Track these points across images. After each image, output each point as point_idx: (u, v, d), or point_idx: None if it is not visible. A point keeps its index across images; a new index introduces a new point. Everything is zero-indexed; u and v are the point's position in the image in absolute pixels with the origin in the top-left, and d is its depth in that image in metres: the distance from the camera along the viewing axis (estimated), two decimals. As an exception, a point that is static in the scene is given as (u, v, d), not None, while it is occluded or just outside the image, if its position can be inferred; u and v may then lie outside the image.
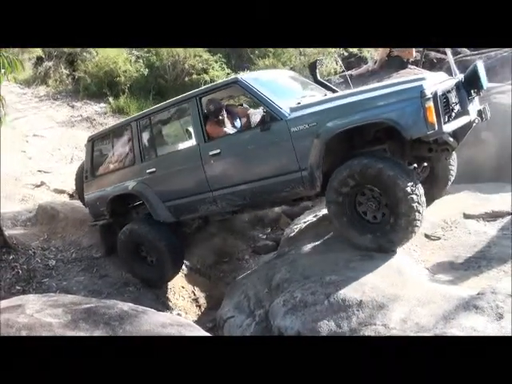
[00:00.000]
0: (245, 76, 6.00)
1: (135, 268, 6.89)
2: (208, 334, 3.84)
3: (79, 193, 8.10)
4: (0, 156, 8.86)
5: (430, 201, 5.57)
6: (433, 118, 4.43)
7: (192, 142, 6.38)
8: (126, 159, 6.90)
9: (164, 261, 6.57)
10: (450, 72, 9.28)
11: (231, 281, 6.89)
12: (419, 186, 4.63)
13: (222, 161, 5.73)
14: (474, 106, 5.28)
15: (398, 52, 8.91)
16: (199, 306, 6.77)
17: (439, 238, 5.21)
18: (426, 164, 5.74)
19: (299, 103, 5.33)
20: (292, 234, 6.19)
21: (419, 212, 4.55)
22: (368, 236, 4.83)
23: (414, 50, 9.15)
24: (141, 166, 6.52)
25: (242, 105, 7.00)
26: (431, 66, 11.47)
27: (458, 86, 5.07)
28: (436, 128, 4.46)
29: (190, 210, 6.27)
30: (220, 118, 6.00)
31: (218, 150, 5.69)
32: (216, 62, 14.96)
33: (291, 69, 12.80)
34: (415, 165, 5.55)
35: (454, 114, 4.83)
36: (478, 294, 3.93)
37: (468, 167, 6.95)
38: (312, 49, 13.72)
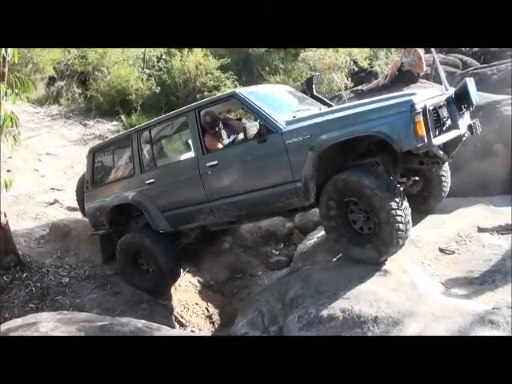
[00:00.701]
0: (242, 90, 6.19)
1: (134, 277, 7.04)
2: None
3: (80, 203, 8.32)
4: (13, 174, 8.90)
5: (425, 213, 5.97)
6: (422, 131, 4.56)
7: (191, 154, 6.56)
8: (126, 170, 7.13)
9: (162, 270, 6.71)
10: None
11: (245, 297, 6.86)
12: (401, 196, 4.72)
13: (219, 172, 5.89)
14: (465, 121, 5.44)
15: (409, 67, 8.91)
16: (213, 323, 6.74)
17: (453, 252, 5.17)
18: (417, 178, 5.85)
19: (294, 116, 5.51)
20: (305, 250, 6.16)
21: (401, 223, 4.63)
22: (357, 248, 4.96)
23: (424, 64, 9.14)
24: (140, 177, 6.72)
25: (240, 119, 7.18)
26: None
27: (448, 101, 5.21)
28: (425, 141, 4.59)
29: (188, 220, 6.44)
30: (216, 129, 6.18)
31: (216, 162, 5.86)
32: (227, 78, 15.05)
33: (302, 85, 12.85)
34: (405, 178, 5.66)
35: (444, 128, 4.98)
36: (494, 308, 3.89)
37: (480, 180, 6.93)
38: (322, 65, 13.79)
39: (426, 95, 5.03)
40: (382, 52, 15.32)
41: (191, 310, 6.94)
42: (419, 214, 5.81)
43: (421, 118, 4.57)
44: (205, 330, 6.37)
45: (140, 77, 15.60)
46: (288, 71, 14.62)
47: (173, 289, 7.23)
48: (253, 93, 5.99)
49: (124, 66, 15.89)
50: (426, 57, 9.81)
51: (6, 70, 6.00)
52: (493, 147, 7.18)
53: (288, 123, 5.39)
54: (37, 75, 15.61)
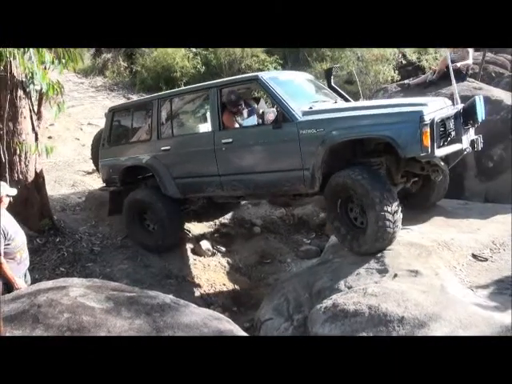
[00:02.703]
0: (265, 74, 6.36)
1: (136, 232, 7.40)
2: (245, 334, 3.83)
3: (94, 157, 8.51)
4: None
5: (424, 210, 6.23)
6: (428, 141, 4.84)
7: (207, 128, 6.85)
8: (143, 134, 7.41)
9: (164, 230, 7.08)
10: (509, 87, 9.13)
11: (272, 282, 6.90)
12: (393, 199, 5.04)
13: (233, 149, 6.15)
14: (469, 136, 5.62)
15: (460, 65, 8.73)
16: (238, 305, 6.78)
17: (486, 260, 5.09)
18: (417, 179, 6.00)
19: (311, 108, 5.74)
20: (336, 242, 6.14)
21: (388, 226, 4.96)
22: (348, 237, 5.34)
23: (471, 58, 8.97)
24: (156, 143, 6.96)
25: (259, 99, 7.31)
26: (489, 79, 11.23)
27: (456, 116, 5.39)
28: (429, 151, 4.87)
29: (197, 190, 6.79)
30: (238, 108, 6.44)
31: (231, 140, 6.12)
32: (272, 62, 14.96)
33: (348, 74, 12.73)
34: (405, 179, 5.84)
35: (448, 140, 5.23)
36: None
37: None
38: (370, 55, 13.60)
39: (437, 107, 5.28)
40: (431, 47, 15.04)
41: (218, 289, 7.01)
42: (420, 210, 6.18)
43: (428, 129, 4.83)
44: (229, 311, 6.40)
45: (186, 55, 15.59)
46: (335, 59, 14.41)
47: (202, 267, 7.31)
48: (274, 78, 6.18)
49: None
50: (475, 55, 9.61)
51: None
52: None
53: (304, 113, 5.62)
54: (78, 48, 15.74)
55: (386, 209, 4.93)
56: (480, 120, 5.54)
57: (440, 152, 5.04)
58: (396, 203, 5.05)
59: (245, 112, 6.57)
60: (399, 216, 5.08)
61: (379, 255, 5.14)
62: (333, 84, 6.93)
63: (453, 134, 5.29)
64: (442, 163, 5.35)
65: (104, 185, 7.90)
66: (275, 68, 14.68)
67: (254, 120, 6.40)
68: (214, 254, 7.73)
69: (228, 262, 7.63)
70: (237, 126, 6.39)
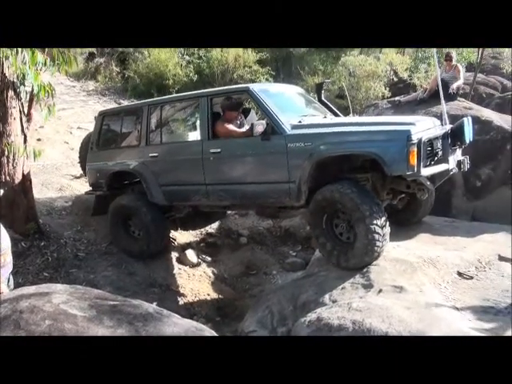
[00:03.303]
0: (256, 86, 6.38)
1: (121, 238, 7.38)
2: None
3: (81, 161, 8.45)
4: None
5: (410, 225, 6.30)
6: (414, 160, 4.89)
7: (196, 137, 6.85)
8: (132, 139, 7.41)
9: (149, 237, 7.06)
10: (499, 108, 9.22)
11: (256, 294, 6.87)
12: (381, 214, 5.09)
13: (220, 159, 6.15)
14: (455, 157, 5.71)
15: (453, 85, 8.82)
16: (222, 316, 6.74)
17: (472, 278, 5.10)
18: (403, 196, 6.04)
19: (300, 122, 5.76)
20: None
21: (378, 240, 5.00)
22: (334, 253, 5.33)
23: (462, 77, 9.07)
24: (145, 149, 6.96)
25: (249, 110, 7.29)
26: (480, 100, 11.34)
27: (444, 136, 5.47)
28: (415, 170, 4.93)
29: (183, 198, 6.81)
30: (237, 112, 6.52)
31: (219, 150, 6.13)
32: (264, 74, 15.03)
33: (339, 88, 12.81)
34: (391, 196, 5.91)
35: (434, 160, 5.31)
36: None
37: (507, 207, 6.84)
38: (362, 71, 13.71)
39: (424, 126, 5.34)
40: (423, 64, 15.20)
41: (202, 300, 6.96)
42: (406, 226, 6.23)
43: (415, 148, 4.88)
44: (213, 321, 6.36)
45: (179, 63, 15.64)
46: (327, 73, 14.55)
47: (186, 277, 7.27)
48: (265, 90, 6.22)
49: (165, 50, 15.95)
50: (466, 75, 9.71)
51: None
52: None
53: (293, 127, 5.65)
54: (77, 49, 15.73)
55: (375, 222, 4.96)
56: (467, 141, 5.64)
57: (426, 171, 5.10)
58: (384, 217, 5.09)
59: (238, 122, 6.58)
60: (387, 230, 5.12)
61: (365, 270, 5.14)
62: (323, 98, 6.99)
63: (440, 154, 5.37)
64: (428, 182, 5.37)
65: (90, 189, 7.87)
66: (267, 79, 14.76)
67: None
68: (199, 264, 7.69)
69: (213, 272, 7.60)
70: (235, 129, 6.33)
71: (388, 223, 5.14)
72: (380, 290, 4.75)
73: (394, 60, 14.75)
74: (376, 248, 5.04)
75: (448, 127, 5.60)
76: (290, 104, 6.59)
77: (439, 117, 5.95)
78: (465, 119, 5.61)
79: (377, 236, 4.98)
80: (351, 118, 6.93)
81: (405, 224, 6.23)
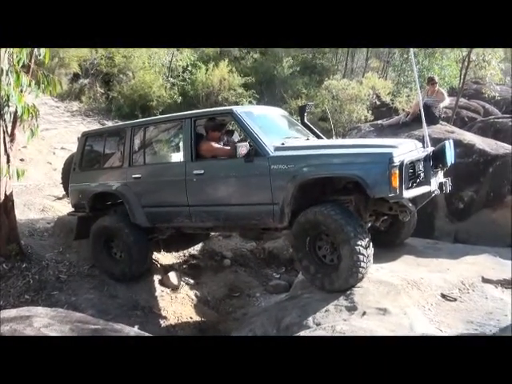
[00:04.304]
0: (239, 108, 6.39)
1: (102, 260, 7.31)
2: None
3: (64, 182, 8.38)
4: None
5: (393, 247, 6.31)
6: (396, 183, 4.93)
7: (180, 158, 6.84)
8: (115, 161, 7.38)
9: (131, 258, 7.00)
10: (481, 132, 9.35)
11: (240, 317, 6.83)
12: (366, 235, 5.10)
13: (203, 181, 6.14)
14: (437, 179, 5.78)
15: (437, 108, 8.95)
16: (205, 339, 6.69)
17: (455, 300, 5.10)
18: (386, 217, 6.06)
19: (283, 144, 5.81)
20: (306, 277, 6.14)
21: (362, 261, 5.00)
22: (318, 275, 5.31)
23: (447, 99, 9.22)
24: (128, 170, 6.94)
25: (232, 132, 7.24)
26: (462, 123, 11.49)
27: (425, 158, 5.51)
28: (397, 192, 4.96)
29: (166, 219, 6.75)
30: (220, 133, 6.56)
31: (202, 171, 6.12)
32: (248, 97, 15.14)
33: (323, 111, 12.92)
34: (374, 217, 5.92)
35: (416, 182, 5.32)
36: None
37: (489, 230, 6.90)
38: (345, 95, 13.85)
39: (406, 149, 5.41)
40: (405, 89, 15.39)
41: (184, 322, 6.90)
42: (389, 248, 6.22)
43: (397, 171, 4.92)
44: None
45: (164, 85, 15.72)
46: (310, 97, 14.69)
47: (169, 299, 7.20)
48: (248, 113, 6.24)
49: (150, 72, 16.02)
50: (448, 100, 9.83)
51: (33, 63, 6.08)
52: (505, 198, 7.18)
53: (276, 149, 5.67)
54: (61, 70, 15.78)
55: (359, 243, 4.97)
56: (449, 164, 5.70)
57: (408, 193, 5.12)
58: (368, 238, 5.11)
59: (221, 143, 6.59)
60: (371, 251, 5.13)
61: (348, 292, 5.12)
62: (306, 121, 7.04)
63: (422, 176, 5.39)
64: (410, 204, 5.40)
65: (73, 210, 7.80)
66: (251, 102, 14.86)
67: None
68: (181, 286, 7.63)
69: (196, 295, 7.53)
70: (219, 146, 6.36)
71: (372, 244, 5.15)
72: (364, 313, 4.74)
73: (376, 84, 14.94)
74: (361, 269, 5.04)
75: (430, 150, 5.66)
76: (273, 126, 6.62)
77: (421, 140, 6.02)
78: (446, 142, 5.67)
79: (361, 257, 4.98)
80: (334, 141, 6.99)
81: (388, 246, 6.23)
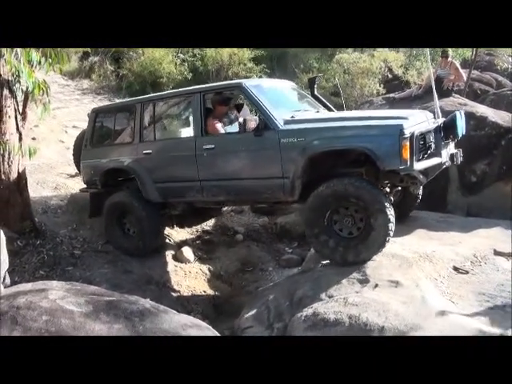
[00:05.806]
0: (248, 82, 6.35)
1: (116, 235, 7.37)
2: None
3: (75, 159, 8.52)
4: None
5: (405, 221, 6.36)
6: (407, 155, 4.90)
7: (190, 133, 6.72)
8: (126, 137, 7.41)
9: (144, 234, 7.07)
10: (494, 104, 9.26)
11: (253, 290, 6.87)
12: (390, 202, 5.22)
13: (214, 156, 6.14)
14: (448, 150, 5.75)
15: (445, 80, 8.86)
16: (219, 312, 6.74)
17: (467, 272, 5.12)
18: (399, 188, 6.08)
19: (293, 117, 5.78)
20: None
21: (392, 229, 5.05)
22: (339, 249, 5.26)
23: (463, 75, 9.15)
24: (138, 146, 6.96)
25: (242, 105, 7.25)
26: (475, 96, 11.36)
27: (436, 130, 5.50)
28: (408, 164, 4.94)
29: (177, 195, 6.79)
30: (227, 107, 6.64)
31: (212, 146, 6.13)
32: (258, 72, 15.02)
33: (334, 86, 12.82)
34: (388, 189, 5.92)
35: (427, 154, 5.30)
36: (501, 334, 3.85)
37: (502, 203, 6.87)
38: (357, 69, 13.72)
39: (417, 120, 5.34)
40: (417, 62, 15.22)
41: (199, 296, 6.96)
42: (401, 221, 6.11)
43: (407, 142, 4.88)
44: (210, 318, 6.35)
45: (173, 61, 15.62)
46: (322, 71, 14.52)
47: (182, 274, 7.26)
48: (257, 86, 6.23)
49: (159, 49, 15.93)
50: (464, 77, 9.74)
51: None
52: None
53: (286, 122, 5.64)
54: (71, 48, 15.70)
55: (392, 213, 5.03)
56: (460, 135, 5.67)
57: (419, 165, 5.10)
58: (392, 206, 5.14)
59: (229, 117, 6.62)
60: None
61: (361, 266, 5.15)
62: (316, 93, 7.00)
63: (432, 147, 5.37)
64: (421, 176, 5.38)
65: (85, 186, 7.85)
66: (261, 77, 14.74)
67: (235, 127, 6.46)
68: (195, 261, 7.69)
69: (209, 269, 7.58)
70: (222, 131, 6.39)
71: None
72: (376, 285, 4.77)
73: (388, 57, 14.77)
74: (388, 239, 5.08)
75: (440, 121, 5.62)
76: (282, 99, 6.58)
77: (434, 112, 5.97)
78: (457, 112, 5.63)
79: (391, 226, 5.02)
80: (344, 113, 6.88)
81: (401, 218, 6.16)
